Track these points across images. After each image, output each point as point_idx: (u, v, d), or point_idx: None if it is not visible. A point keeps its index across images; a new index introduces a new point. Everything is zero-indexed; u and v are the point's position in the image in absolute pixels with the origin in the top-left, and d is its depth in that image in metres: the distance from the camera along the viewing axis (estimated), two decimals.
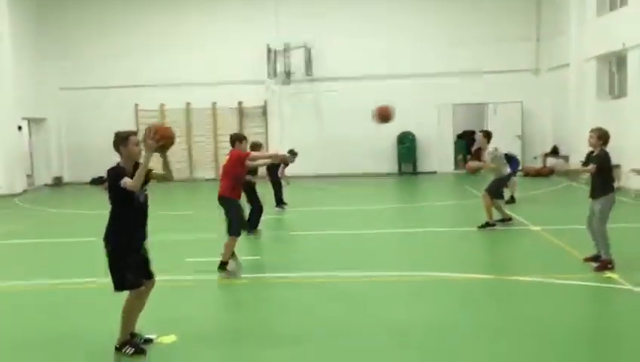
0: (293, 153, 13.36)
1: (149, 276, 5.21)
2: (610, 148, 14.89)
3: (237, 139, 8.17)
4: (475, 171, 11.16)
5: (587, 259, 7.69)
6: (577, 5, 16.49)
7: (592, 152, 7.49)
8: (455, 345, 5.22)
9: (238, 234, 7.75)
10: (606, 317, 6.23)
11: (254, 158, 8.39)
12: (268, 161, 9.89)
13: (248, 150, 8.49)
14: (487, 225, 10.27)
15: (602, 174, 7.37)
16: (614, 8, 15.20)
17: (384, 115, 9.43)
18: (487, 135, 10.94)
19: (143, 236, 5.14)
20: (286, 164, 13.30)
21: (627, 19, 14.06)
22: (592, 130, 7.48)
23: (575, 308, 6.25)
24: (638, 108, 13.71)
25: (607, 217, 7.37)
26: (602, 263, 7.35)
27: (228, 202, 7.76)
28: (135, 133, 5.17)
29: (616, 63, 15.62)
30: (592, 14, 16.06)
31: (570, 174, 7.99)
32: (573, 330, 5.56)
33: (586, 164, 7.66)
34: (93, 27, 20.69)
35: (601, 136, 7.33)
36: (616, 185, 14.24)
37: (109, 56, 20.59)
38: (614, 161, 14.38)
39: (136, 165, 5.02)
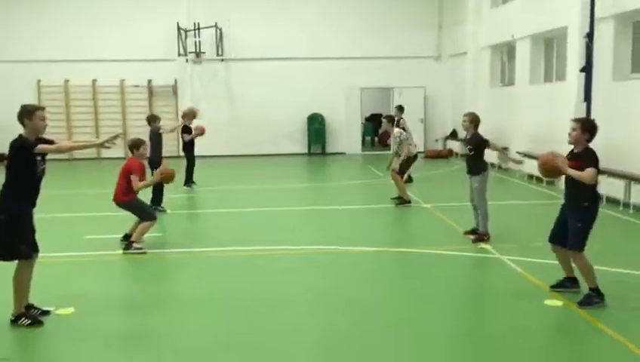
0: (185, 114, 13.26)
1: (35, 248, 5.36)
2: (498, 131, 16.06)
3: (134, 146, 7.96)
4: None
5: (466, 233, 8.48)
6: None
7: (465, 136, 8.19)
8: (350, 309, 5.75)
9: (154, 219, 7.94)
10: (477, 280, 7.06)
11: (135, 184, 7.76)
12: (147, 185, 8.31)
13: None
14: (402, 201, 10.86)
15: (476, 155, 8.11)
16: (506, 1, 16.30)
17: None
18: (391, 119, 11.57)
19: (33, 204, 5.29)
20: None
21: (516, 12, 15.15)
22: (465, 115, 8.22)
23: (453, 274, 6.98)
24: (523, 96, 14.88)
25: (485, 191, 8.14)
26: (479, 236, 8.16)
27: (124, 205, 7.88)
28: (42, 109, 5.29)
29: (507, 53, 16.80)
30: (487, 6, 17.13)
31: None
32: (448, 292, 6.27)
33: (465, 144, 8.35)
34: None
35: (473, 120, 8.07)
36: (504, 166, 15.42)
37: (8, 29, 19.58)
38: (502, 143, 15.66)
39: (38, 139, 5.16)
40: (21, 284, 5.23)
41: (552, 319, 5.55)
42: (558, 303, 5.73)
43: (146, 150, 8.26)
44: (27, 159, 5.06)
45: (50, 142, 5.28)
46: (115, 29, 19.68)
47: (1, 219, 5.08)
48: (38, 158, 5.13)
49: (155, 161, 10.10)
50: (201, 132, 12.67)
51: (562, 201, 5.93)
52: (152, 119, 10.70)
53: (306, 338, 5.11)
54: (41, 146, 5.07)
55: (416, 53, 20.54)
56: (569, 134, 5.67)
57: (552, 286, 6.05)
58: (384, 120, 11.61)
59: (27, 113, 5.12)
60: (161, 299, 6.13)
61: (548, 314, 5.59)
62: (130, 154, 8.12)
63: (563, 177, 5.86)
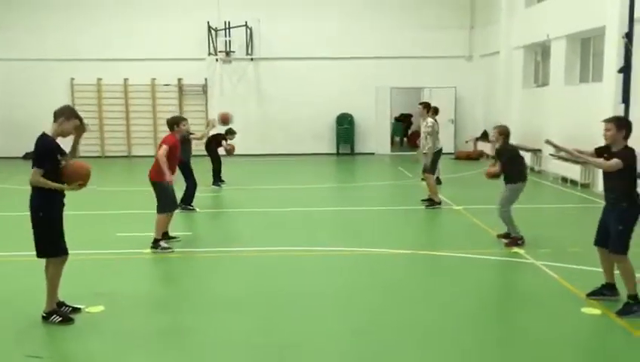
0: (231, 132, 13.58)
1: None
2: (531, 134, 15.75)
3: (174, 123, 7.98)
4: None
5: (500, 236, 8.31)
6: None
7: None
8: (378, 312, 5.66)
9: (166, 211, 7.91)
10: (510, 285, 6.91)
11: (159, 155, 7.66)
12: (165, 171, 7.89)
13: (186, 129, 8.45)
14: (432, 202, 10.71)
15: (513, 165, 7.91)
16: (541, 0, 15.96)
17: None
18: (427, 106, 11.37)
19: (63, 200, 5.32)
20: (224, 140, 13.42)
21: (552, 12, 14.82)
22: (495, 127, 8.10)
23: (485, 279, 6.84)
24: (558, 97, 14.55)
25: (511, 203, 7.94)
26: (512, 240, 7.98)
27: (155, 185, 7.86)
28: (81, 120, 5.30)
29: (541, 53, 16.46)
30: (521, 5, 16.81)
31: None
32: (481, 297, 6.13)
33: (495, 157, 8.18)
34: None
35: (502, 132, 7.93)
36: (537, 168, 15.10)
37: (44, 28, 19.94)
38: (535, 145, 15.37)
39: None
40: (54, 281, 5.28)
41: (589, 328, 5.37)
42: (596, 311, 5.54)
43: (187, 127, 8.20)
44: (51, 159, 5.10)
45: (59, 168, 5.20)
46: (147, 28, 19.88)
47: (39, 216, 5.13)
48: (59, 157, 5.18)
49: (183, 163, 10.00)
50: (231, 150, 13.05)
51: (602, 203, 5.78)
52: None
53: (332, 340, 5.03)
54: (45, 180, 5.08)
55: (447, 53, 20.30)
56: (604, 136, 5.54)
57: (589, 294, 5.87)
58: (420, 106, 11.41)
59: (68, 114, 5.16)
60: (190, 297, 6.13)
61: (585, 323, 5.41)
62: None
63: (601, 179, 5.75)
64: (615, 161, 5.37)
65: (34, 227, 5.17)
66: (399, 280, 6.72)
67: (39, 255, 5.23)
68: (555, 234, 8.73)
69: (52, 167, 5.09)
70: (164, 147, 7.71)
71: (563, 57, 14.39)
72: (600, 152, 5.67)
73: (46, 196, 5.13)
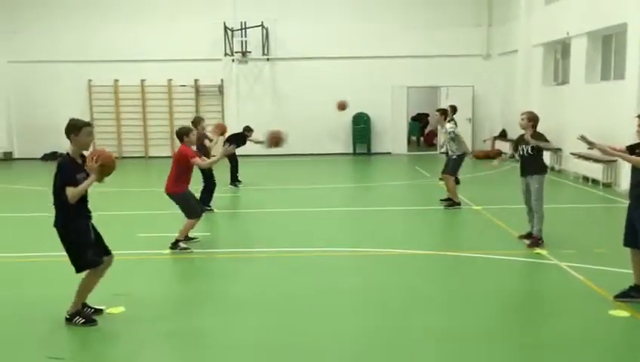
0: (249, 129, 13.60)
1: (106, 252, 5.38)
2: (551, 132, 15.59)
3: (184, 133, 7.78)
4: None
5: (521, 237, 8.18)
6: None
7: (522, 135, 7.90)
8: (396, 313, 5.58)
9: (198, 216, 7.92)
10: (534, 287, 6.76)
11: (200, 164, 7.87)
12: (216, 161, 8.42)
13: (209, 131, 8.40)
14: (451, 203, 10.57)
15: (538, 154, 7.81)
16: None
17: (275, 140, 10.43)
18: (444, 112, 11.19)
19: (88, 212, 5.27)
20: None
21: (572, 9, 14.61)
22: (523, 113, 7.93)
23: (507, 281, 6.72)
24: (578, 95, 14.34)
25: (543, 193, 7.80)
26: (534, 240, 7.84)
27: (173, 197, 7.83)
28: (90, 125, 5.22)
29: (561, 51, 16.24)
30: (540, 2, 16.61)
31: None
32: (504, 299, 6.01)
33: (516, 146, 8.07)
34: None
35: (531, 119, 7.78)
36: (557, 167, 14.91)
37: (60, 30, 20.11)
38: (556, 144, 15.15)
39: (84, 157, 5.17)
40: (86, 289, 5.29)
41: (617, 330, 5.23)
42: (625, 314, 5.41)
43: (195, 136, 8.06)
44: (72, 179, 5.03)
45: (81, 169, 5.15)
46: (163, 29, 19.96)
47: (64, 233, 5.10)
48: (82, 177, 5.10)
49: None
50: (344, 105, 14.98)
51: (625, 203, 5.66)
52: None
53: (348, 341, 4.98)
54: (67, 190, 5.02)
55: (464, 52, 20.12)
56: (638, 132, 5.43)
57: (617, 296, 5.74)
58: (437, 113, 11.24)
59: (74, 128, 5.06)
60: (208, 298, 6.10)
61: (613, 325, 5.28)
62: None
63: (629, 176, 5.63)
64: None
65: (66, 244, 5.14)
66: (417, 282, 6.63)
67: (76, 270, 5.21)
68: (578, 235, 8.58)
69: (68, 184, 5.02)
70: (196, 159, 7.73)
71: (584, 55, 14.17)
72: (632, 150, 5.55)
73: (68, 213, 5.07)
